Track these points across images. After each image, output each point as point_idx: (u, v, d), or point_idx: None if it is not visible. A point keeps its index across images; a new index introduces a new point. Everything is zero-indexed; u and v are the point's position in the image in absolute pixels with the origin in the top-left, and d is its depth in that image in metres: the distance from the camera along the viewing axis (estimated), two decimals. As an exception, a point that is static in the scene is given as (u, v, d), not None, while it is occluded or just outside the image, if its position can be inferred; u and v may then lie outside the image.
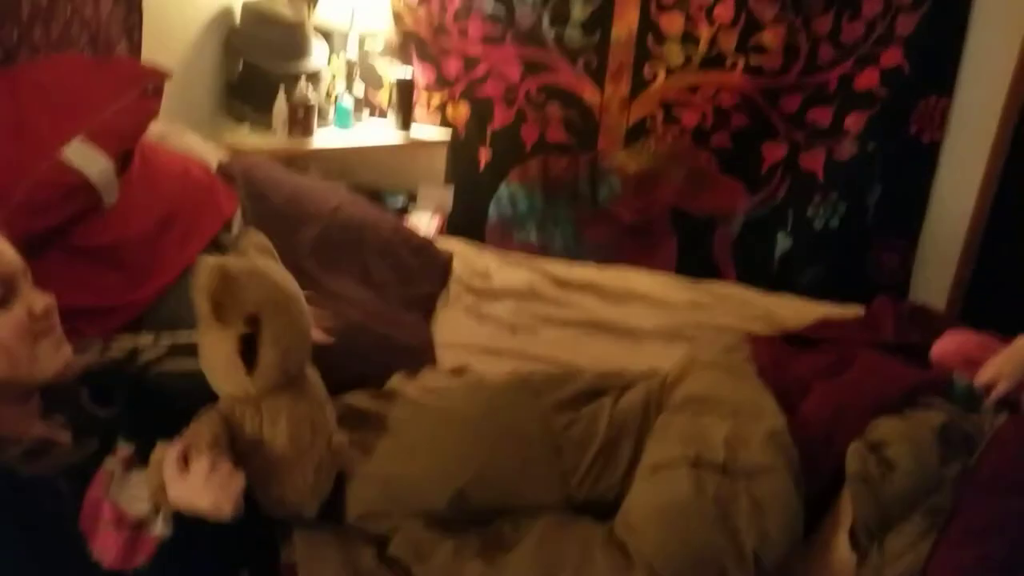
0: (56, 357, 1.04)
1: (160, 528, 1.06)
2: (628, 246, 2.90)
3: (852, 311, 2.16)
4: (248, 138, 2.50)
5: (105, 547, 1.02)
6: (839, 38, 2.55)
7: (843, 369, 1.66)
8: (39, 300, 1.03)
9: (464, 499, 1.30)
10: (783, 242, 2.78)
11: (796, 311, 2.20)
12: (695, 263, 2.83)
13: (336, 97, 2.68)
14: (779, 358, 1.77)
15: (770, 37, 2.57)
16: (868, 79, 2.56)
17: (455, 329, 1.94)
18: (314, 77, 2.59)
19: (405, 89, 2.69)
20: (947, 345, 1.74)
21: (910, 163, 2.61)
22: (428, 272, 2.08)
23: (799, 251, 2.76)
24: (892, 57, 2.52)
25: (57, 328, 1.05)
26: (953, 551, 1.17)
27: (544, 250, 2.90)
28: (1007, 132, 2.46)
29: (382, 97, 2.82)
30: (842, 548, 1.28)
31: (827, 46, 2.57)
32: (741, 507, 1.25)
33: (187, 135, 1.99)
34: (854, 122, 2.60)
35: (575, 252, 2.90)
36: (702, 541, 1.21)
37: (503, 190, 2.91)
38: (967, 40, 2.48)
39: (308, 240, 1.88)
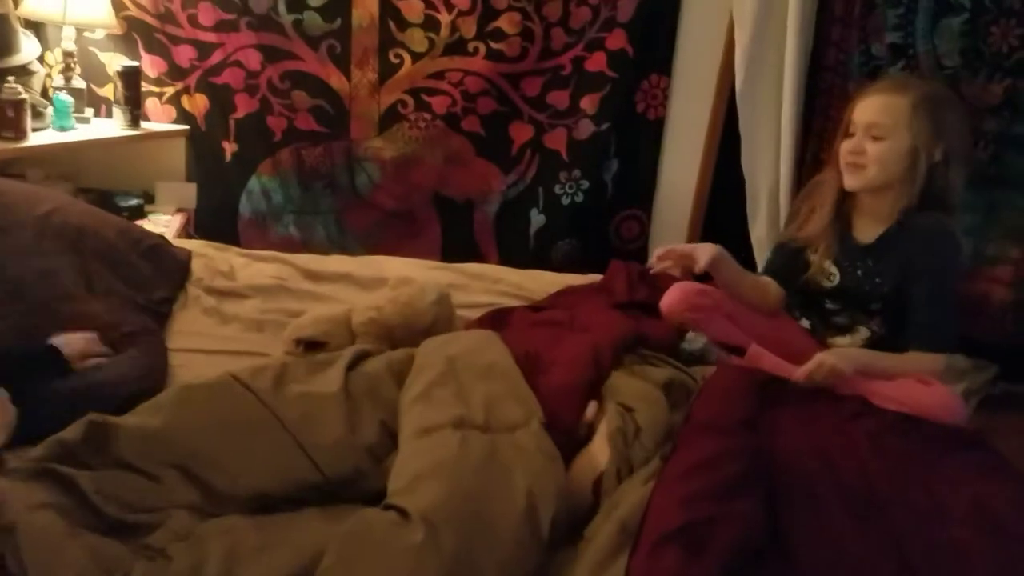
0: None
1: None
2: (393, 233, 2.90)
3: (595, 278, 2.32)
4: (-51, 142, 2.23)
5: None
6: (569, 23, 2.68)
7: (575, 327, 1.78)
8: None
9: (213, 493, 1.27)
10: (536, 219, 2.89)
11: (545, 284, 2.32)
12: (459, 245, 2.89)
13: (54, 94, 2.45)
14: (519, 325, 1.88)
15: (506, 23, 2.66)
16: (597, 62, 2.71)
17: (194, 333, 1.85)
18: (24, 73, 2.35)
19: (131, 80, 2.51)
20: (672, 295, 1.91)
21: (640, 139, 2.80)
22: (162, 275, 1.96)
23: (551, 227, 2.89)
24: (616, 40, 2.69)
25: None
26: (671, 486, 1.28)
27: (306, 243, 2.84)
28: (721, 105, 2.70)
29: (108, 91, 2.62)
30: (588, 492, 1.37)
31: (559, 31, 2.69)
32: (506, 453, 1.31)
33: None
34: (588, 103, 2.75)
35: (339, 242, 2.87)
36: (471, 487, 1.24)
37: (254, 183, 2.80)
38: (680, 22, 2.69)
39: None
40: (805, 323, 1.95)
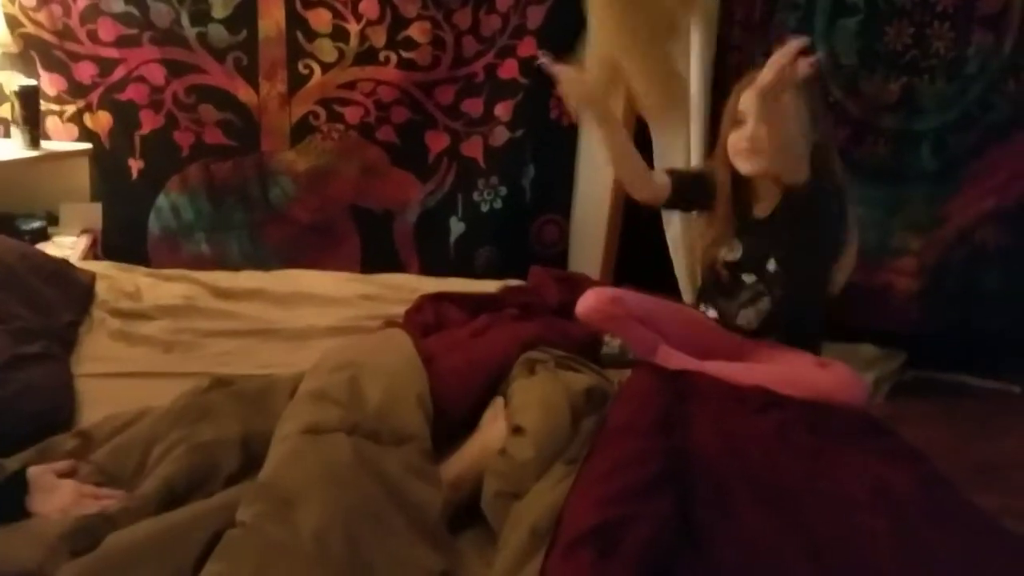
0: None
1: None
2: (310, 246, 2.86)
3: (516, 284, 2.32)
4: None
5: None
6: (479, 31, 2.70)
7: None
8: None
9: None
10: (456, 227, 2.89)
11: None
12: (379, 256, 2.86)
13: (-56, 114, 2.36)
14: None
15: (417, 32, 2.66)
16: (509, 69, 2.74)
17: (102, 357, 1.78)
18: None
19: (29, 99, 2.42)
20: (587, 302, 1.92)
21: (555, 145, 2.84)
22: (67, 300, 1.89)
23: (471, 234, 2.90)
24: (527, 47, 2.72)
25: None
26: (586, 489, 1.29)
27: (219, 260, 2.77)
28: (632, 108, 2.74)
29: (5, 111, 2.52)
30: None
31: (470, 39, 2.70)
32: (393, 470, 1.30)
33: None
34: (503, 110, 2.77)
35: (254, 258, 2.81)
36: (361, 498, 1.22)
37: (163, 200, 2.73)
38: (587, 30, 2.72)
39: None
40: (712, 313, 1.99)
